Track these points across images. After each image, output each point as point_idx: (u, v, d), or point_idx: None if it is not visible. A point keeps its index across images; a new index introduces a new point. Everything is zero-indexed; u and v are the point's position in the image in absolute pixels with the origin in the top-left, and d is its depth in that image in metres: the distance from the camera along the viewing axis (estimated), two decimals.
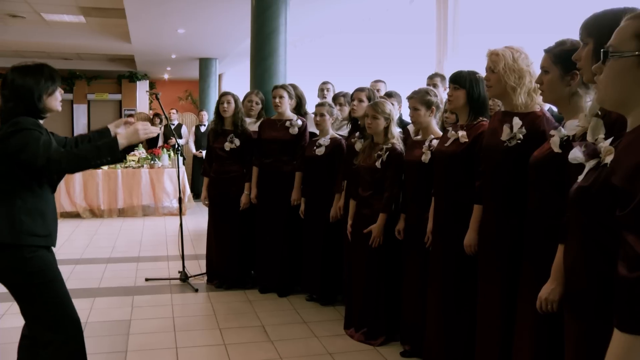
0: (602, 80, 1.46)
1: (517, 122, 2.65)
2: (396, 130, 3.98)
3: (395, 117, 4.07)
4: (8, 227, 2.47)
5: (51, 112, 2.64)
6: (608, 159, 1.50)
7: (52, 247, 2.67)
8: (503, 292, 2.70)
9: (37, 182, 2.56)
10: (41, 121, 2.61)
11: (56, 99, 2.63)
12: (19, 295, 2.55)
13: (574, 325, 1.70)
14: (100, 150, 2.52)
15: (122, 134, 2.58)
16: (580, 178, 1.60)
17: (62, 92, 2.69)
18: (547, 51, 2.33)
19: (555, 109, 2.81)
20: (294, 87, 5.40)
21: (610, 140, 1.56)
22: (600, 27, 1.79)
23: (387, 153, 3.84)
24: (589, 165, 1.58)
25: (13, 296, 2.59)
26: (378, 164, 3.86)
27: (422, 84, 4.60)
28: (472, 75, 3.20)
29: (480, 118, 3.19)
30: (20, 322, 2.68)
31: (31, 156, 2.43)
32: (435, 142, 3.48)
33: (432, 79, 4.73)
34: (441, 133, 3.56)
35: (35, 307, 2.56)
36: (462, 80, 3.19)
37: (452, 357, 3.27)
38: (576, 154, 1.63)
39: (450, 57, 5.50)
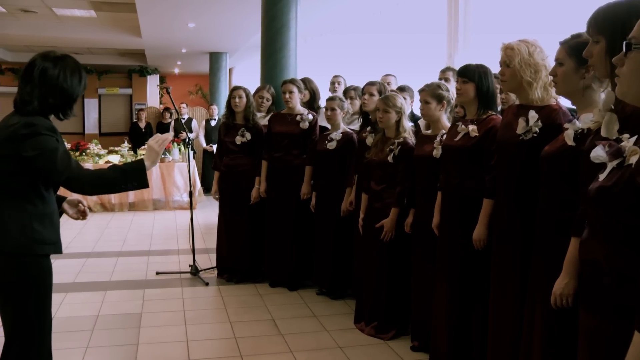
0: (624, 73, 1.43)
1: (533, 115, 2.62)
2: (408, 124, 3.96)
3: (407, 111, 4.05)
4: (20, 235, 2.30)
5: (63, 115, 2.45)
6: (633, 159, 1.47)
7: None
8: (516, 286, 2.68)
9: (45, 185, 2.37)
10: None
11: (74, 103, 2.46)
12: (9, 299, 2.35)
13: (590, 321, 1.68)
14: (126, 173, 2.37)
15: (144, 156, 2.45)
16: (602, 177, 1.57)
17: None
18: (562, 43, 2.31)
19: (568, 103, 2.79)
20: (309, 81, 5.39)
21: (634, 139, 1.54)
22: (612, 23, 1.76)
23: (399, 147, 3.83)
24: (612, 165, 1.55)
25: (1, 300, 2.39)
26: (390, 158, 3.84)
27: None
28: (480, 68, 3.17)
29: (490, 112, 3.17)
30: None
31: (49, 167, 2.27)
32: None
33: (444, 72, 4.70)
34: None
35: (22, 314, 2.36)
36: (470, 74, 3.16)
37: (459, 353, 3.25)
38: (599, 153, 1.61)
39: (461, 54, 5.46)
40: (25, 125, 2.27)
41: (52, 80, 2.33)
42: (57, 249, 2.43)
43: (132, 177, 2.38)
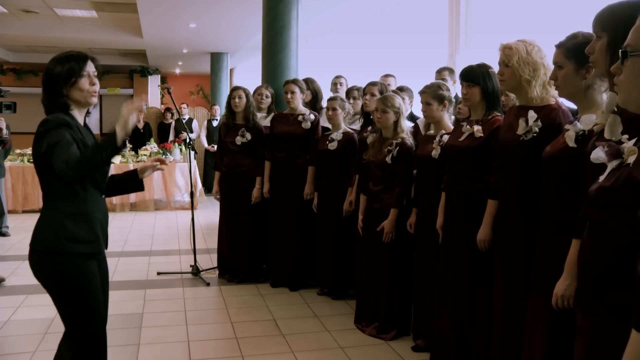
0: (623, 81, 1.44)
1: (532, 115, 2.62)
2: (406, 124, 3.96)
3: (407, 111, 4.05)
4: (53, 234, 2.35)
5: (80, 104, 2.46)
6: (631, 159, 1.48)
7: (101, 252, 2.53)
8: (520, 287, 2.67)
9: (80, 184, 2.38)
10: (77, 113, 2.45)
11: (80, 90, 2.42)
12: (51, 296, 2.43)
13: (588, 322, 1.68)
14: (100, 146, 2.34)
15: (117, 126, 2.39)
16: (602, 178, 1.58)
17: (92, 83, 2.46)
18: (558, 46, 2.30)
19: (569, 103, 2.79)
20: (311, 81, 5.39)
21: (634, 140, 1.54)
22: (616, 20, 1.77)
23: (397, 148, 3.82)
24: (612, 165, 1.56)
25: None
26: (388, 159, 3.84)
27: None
28: (483, 69, 3.15)
29: (494, 113, 3.16)
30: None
31: (53, 161, 2.26)
32: (446, 138, 3.45)
33: (440, 73, 4.69)
34: (452, 127, 3.53)
35: (62, 311, 2.44)
36: (475, 77, 3.12)
37: (462, 354, 3.25)
38: (599, 154, 1.61)
39: (463, 55, 5.46)
40: (40, 124, 2.33)
41: (43, 74, 2.42)
42: (95, 247, 2.44)
43: (104, 147, 2.31)
